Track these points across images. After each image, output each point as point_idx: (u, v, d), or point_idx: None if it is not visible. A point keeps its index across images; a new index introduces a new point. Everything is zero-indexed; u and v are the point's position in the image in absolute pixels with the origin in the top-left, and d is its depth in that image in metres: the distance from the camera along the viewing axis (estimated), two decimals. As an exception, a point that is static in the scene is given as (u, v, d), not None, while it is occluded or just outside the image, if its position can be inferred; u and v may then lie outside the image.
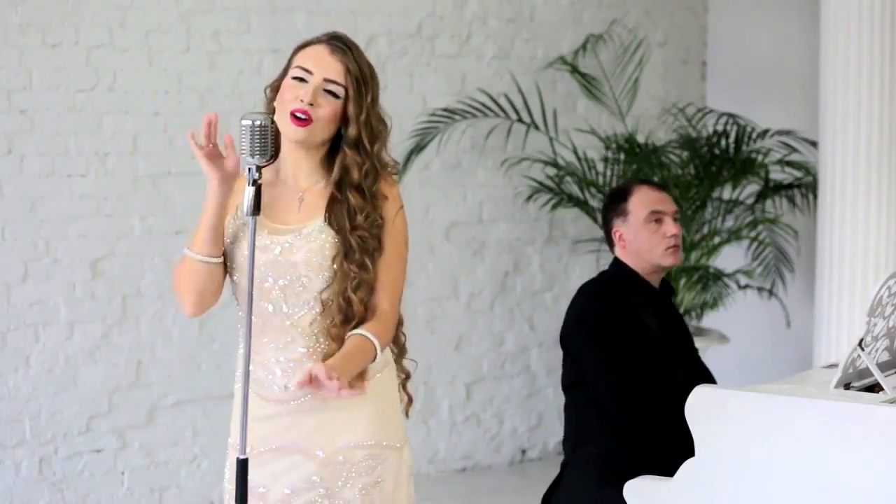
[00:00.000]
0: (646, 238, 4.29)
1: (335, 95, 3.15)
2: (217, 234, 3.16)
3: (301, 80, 3.16)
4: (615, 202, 4.37)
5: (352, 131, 3.16)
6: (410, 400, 3.35)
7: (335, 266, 3.16)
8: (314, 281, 3.15)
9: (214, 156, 3.09)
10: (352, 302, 3.15)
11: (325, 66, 3.16)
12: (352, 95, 3.15)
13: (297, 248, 3.16)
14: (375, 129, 3.19)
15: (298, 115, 3.12)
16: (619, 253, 4.34)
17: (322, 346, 3.17)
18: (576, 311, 4.27)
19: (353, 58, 3.17)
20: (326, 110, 3.14)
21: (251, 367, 3.11)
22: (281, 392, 3.18)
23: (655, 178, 6.35)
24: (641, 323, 4.23)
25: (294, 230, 3.18)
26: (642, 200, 4.32)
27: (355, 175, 3.18)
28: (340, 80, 3.15)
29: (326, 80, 3.15)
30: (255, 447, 3.16)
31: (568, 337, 4.27)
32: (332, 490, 3.20)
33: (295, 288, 3.15)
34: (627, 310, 4.23)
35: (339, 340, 3.15)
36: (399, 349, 3.35)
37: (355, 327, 3.15)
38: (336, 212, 3.19)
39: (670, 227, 4.29)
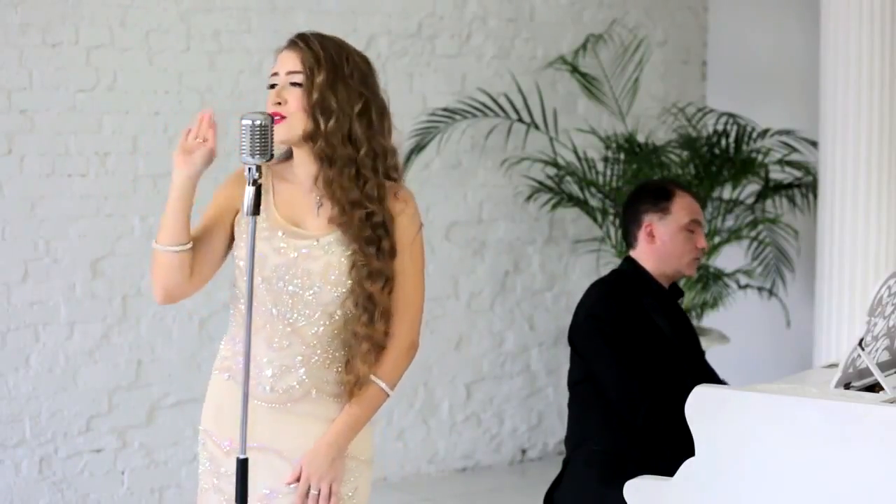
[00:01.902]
0: (679, 244, 4.30)
1: (299, 85, 3.17)
2: (184, 223, 3.11)
3: (274, 85, 3.20)
4: (657, 198, 4.34)
5: (310, 118, 3.16)
6: None
7: (349, 280, 3.16)
8: (325, 294, 3.15)
9: (190, 151, 3.09)
10: (372, 295, 3.17)
11: (286, 62, 3.19)
12: (304, 82, 3.16)
13: (314, 258, 3.16)
14: (327, 106, 3.15)
15: (274, 116, 3.11)
16: (640, 248, 4.33)
17: (317, 358, 3.16)
18: (587, 308, 4.25)
19: (307, 47, 3.18)
20: (293, 103, 3.16)
21: (240, 359, 3.11)
22: (265, 392, 3.18)
23: (655, 178, 6.35)
24: (652, 323, 4.22)
25: (313, 237, 3.18)
26: (686, 207, 4.32)
27: (321, 163, 3.17)
28: (297, 68, 3.17)
29: (288, 74, 3.18)
30: (235, 441, 3.11)
31: (577, 333, 4.26)
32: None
33: (304, 297, 3.15)
34: (639, 309, 4.22)
35: (369, 339, 3.16)
36: None
37: (385, 330, 3.19)
38: (336, 208, 3.19)
39: (702, 241, 4.34)
